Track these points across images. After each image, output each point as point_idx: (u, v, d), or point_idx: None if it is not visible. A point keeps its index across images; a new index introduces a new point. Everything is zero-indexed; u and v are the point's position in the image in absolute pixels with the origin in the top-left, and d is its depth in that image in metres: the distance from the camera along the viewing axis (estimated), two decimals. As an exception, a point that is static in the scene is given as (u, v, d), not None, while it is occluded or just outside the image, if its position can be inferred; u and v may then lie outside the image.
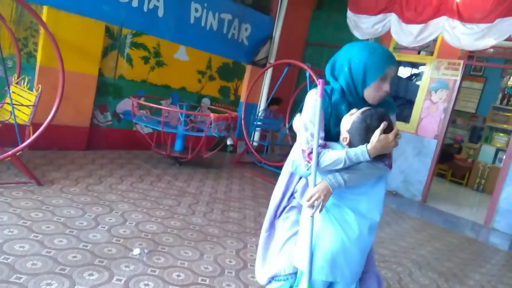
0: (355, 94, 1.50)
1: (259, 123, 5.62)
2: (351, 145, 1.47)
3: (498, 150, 7.73)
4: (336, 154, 1.45)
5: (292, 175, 1.70)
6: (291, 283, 1.58)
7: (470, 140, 8.71)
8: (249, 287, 2.25)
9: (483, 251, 4.04)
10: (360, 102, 1.51)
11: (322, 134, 1.53)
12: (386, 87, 1.47)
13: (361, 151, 1.41)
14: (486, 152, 7.87)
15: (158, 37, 4.94)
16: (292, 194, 1.71)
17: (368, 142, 1.42)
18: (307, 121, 1.54)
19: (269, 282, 1.63)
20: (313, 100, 1.54)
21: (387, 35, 5.47)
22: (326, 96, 1.54)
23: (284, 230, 1.66)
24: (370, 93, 1.48)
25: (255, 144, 6.01)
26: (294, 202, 1.70)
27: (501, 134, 7.75)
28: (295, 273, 1.57)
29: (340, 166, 1.44)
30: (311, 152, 1.49)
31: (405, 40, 5.05)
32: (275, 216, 1.74)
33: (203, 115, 4.93)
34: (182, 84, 5.42)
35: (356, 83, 1.48)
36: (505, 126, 7.72)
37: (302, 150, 1.54)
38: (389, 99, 1.60)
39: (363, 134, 1.43)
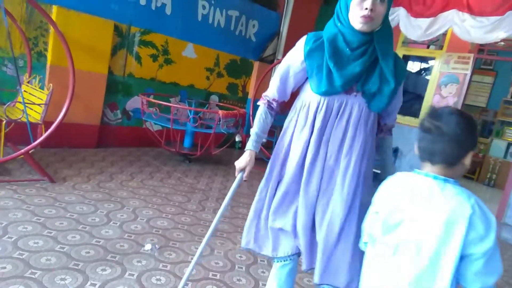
0: (343, 21, 1.45)
1: (267, 119, 5.61)
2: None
3: (509, 145, 7.64)
4: (259, 120, 1.65)
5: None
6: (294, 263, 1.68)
7: (481, 135, 8.60)
8: (260, 282, 2.27)
9: (494, 246, 4.01)
10: (350, 30, 1.44)
11: (290, 88, 1.62)
12: (367, 3, 1.37)
13: (249, 144, 1.64)
14: (497, 146, 7.77)
15: (166, 35, 4.97)
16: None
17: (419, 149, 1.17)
18: (278, 71, 1.61)
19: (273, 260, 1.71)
20: (296, 48, 1.58)
21: (396, 29, 5.42)
22: (312, 41, 1.52)
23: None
24: (352, 14, 1.41)
25: (263, 140, 6.02)
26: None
27: (512, 128, 7.64)
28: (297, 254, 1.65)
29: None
30: (263, 98, 1.66)
31: (414, 34, 5.00)
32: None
33: (211, 112, 4.95)
34: (190, 81, 5.45)
35: (342, 8, 1.46)
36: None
37: (262, 96, 1.67)
38: (400, 61, 1.55)
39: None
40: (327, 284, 1.53)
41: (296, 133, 1.58)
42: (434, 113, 1.14)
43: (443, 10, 4.72)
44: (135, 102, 4.85)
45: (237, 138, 6.28)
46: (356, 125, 1.51)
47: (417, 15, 4.92)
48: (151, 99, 4.51)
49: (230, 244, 2.70)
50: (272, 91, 1.64)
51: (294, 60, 1.56)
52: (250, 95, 6.22)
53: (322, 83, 1.48)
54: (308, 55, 1.50)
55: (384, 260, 1.19)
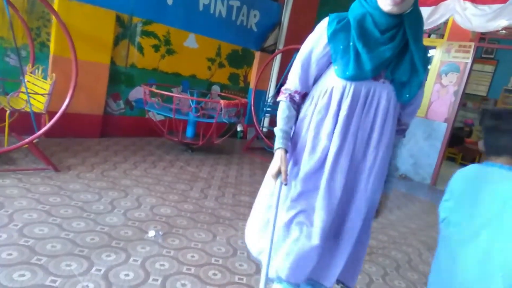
0: (369, 1, 1.32)
1: (268, 109, 5.64)
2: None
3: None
4: (283, 117, 1.48)
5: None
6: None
7: (481, 124, 8.60)
8: (261, 266, 2.32)
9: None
10: (379, 12, 1.30)
11: (311, 78, 1.47)
12: None
13: (280, 143, 1.44)
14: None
15: (167, 25, 4.97)
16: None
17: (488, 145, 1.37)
18: (298, 59, 1.46)
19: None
20: (318, 31, 1.42)
21: (398, 18, 5.40)
22: (335, 22, 1.38)
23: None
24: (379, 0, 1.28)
25: (264, 130, 6.05)
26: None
27: None
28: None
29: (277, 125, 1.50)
30: (284, 92, 1.51)
31: (416, 23, 4.98)
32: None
33: (213, 102, 4.97)
34: (192, 71, 5.47)
35: None
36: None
37: (282, 90, 1.52)
38: (426, 50, 1.42)
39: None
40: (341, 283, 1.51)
41: (315, 124, 1.42)
42: (495, 114, 1.38)
43: (446, -1, 4.70)
44: (137, 92, 4.88)
45: (239, 128, 6.32)
46: (385, 116, 1.39)
47: (421, 4, 4.89)
48: (153, 89, 4.53)
49: (232, 231, 2.75)
50: (293, 83, 1.48)
51: (316, 44, 1.40)
52: (252, 85, 6.23)
53: (350, 66, 1.33)
54: (332, 37, 1.36)
55: (464, 245, 1.29)
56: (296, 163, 1.47)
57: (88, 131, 4.45)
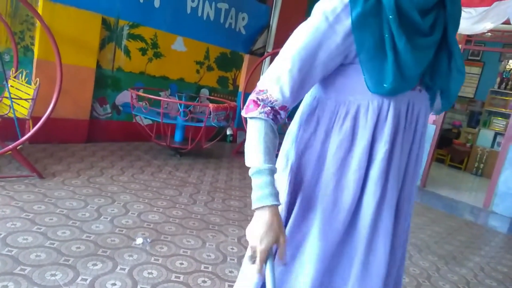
0: None
1: (258, 112, 5.62)
2: None
3: (496, 134, 7.76)
4: (261, 146, 0.89)
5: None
6: None
7: (469, 125, 8.73)
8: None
9: (482, 234, 4.09)
10: None
11: (316, 79, 0.92)
12: None
13: (269, 193, 0.87)
14: (485, 136, 7.89)
15: (155, 28, 4.92)
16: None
17: None
18: (293, 56, 0.88)
19: None
20: (331, 11, 0.86)
21: (385, 21, 5.44)
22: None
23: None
24: None
25: (254, 133, 6.02)
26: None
27: (500, 118, 7.76)
28: None
29: (247, 162, 0.92)
30: (258, 103, 0.90)
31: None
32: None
33: (202, 106, 4.93)
34: (180, 75, 5.41)
35: None
36: (503, 110, 7.74)
37: (255, 91, 0.94)
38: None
39: None
40: None
41: (336, 165, 0.93)
42: None
43: None
44: (124, 96, 4.81)
45: (228, 132, 6.28)
46: (420, 137, 0.98)
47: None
48: (140, 93, 4.48)
49: (222, 237, 2.71)
50: (279, 92, 0.89)
51: (328, 34, 0.86)
52: (241, 88, 6.20)
53: (388, 73, 0.85)
54: (360, 22, 0.84)
55: None
56: (299, 229, 0.96)
57: (74, 137, 4.37)
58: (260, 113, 0.90)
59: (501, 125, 7.66)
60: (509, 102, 7.75)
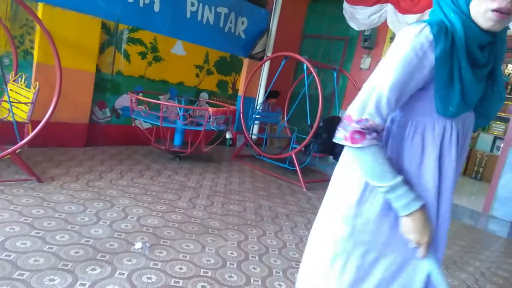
0: (460, 10, 1.00)
1: (257, 116, 5.62)
2: None
3: (496, 138, 7.77)
4: (384, 166, 1.04)
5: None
6: None
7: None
8: (251, 278, 2.27)
9: (482, 239, 4.08)
10: (473, 24, 1.00)
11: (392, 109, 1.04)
12: (499, 2, 0.93)
13: (413, 198, 1.05)
14: (484, 140, 7.90)
15: (154, 32, 4.93)
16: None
17: None
18: (387, 70, 1.02)
19: None
20: (419, 46, 1.00)
21: (384, 25, 5.46)
22: (443, 35, 0.99)
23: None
24: (476, 7, 0.97)
25: (254, 137, 6.02)
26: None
27: (499, 122, 7.77)
28: None
29: (376, 183, 1.06)
30: (364, 132, 1.02)
31: (402, 30, 5.05)
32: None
33: (201, 110, 4.93)
34: (180, 79, 5.42)
35: None
36: (502, 114, 7.74)
37: (348, 116, 1.05)
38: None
39: None
40: None
41: (407, 173, 1.10)
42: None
43: (430, 6, 4.76)
44: (124, 100, 4.81)
45: (228, 135, 6.28)
46: (461, 154, 1.15)
47: (404, 11, 4.96)
48: (140, 97, 4.48)
49: (222, 241, 2.69)
50: (378, 115, 1.02)
51: (419, 66, 1.00)
52: (240, 92, 6.21)
53: (454, 100, 1.02)
54: (441, 58, 0.99)
55: None
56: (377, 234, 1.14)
57: (73, 140, 4.36)
58: (370, 140, 1.03)
59: (500, 129, 7.67)
60: (508, 106, 7.76)
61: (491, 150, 7.77)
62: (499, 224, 4.80)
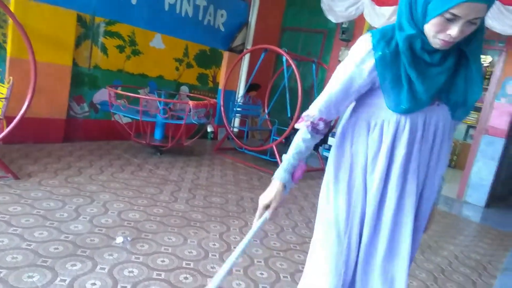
0: (415, 26, 1.09)
1: (238, 109, 5.63)
2: None
3: (469, 127, 8.01)
4: (295, 141, 1.31)
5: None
6: None
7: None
8: (233, 268, 2.31)
9: (456, 224, 4.23)
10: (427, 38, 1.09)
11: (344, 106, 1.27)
12: (453, 30, 1.02)
13: (282, 171, 1.30)
14: (458, 129, 8.13)
15: (132, 25, 4.86)
16: None
17: None
18: (333, 87, 1.24)
19: None
20: (360, 54, 1.17)
21: (361, 18, 5.53)
22: (383, 44, 1.14)
23: None
24: (430, 29, 1.06)
25: (235, 130, 6.04)
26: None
27: (472, 112, 8.00)
28: None
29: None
30: (303, 119, 1.31)
31: (378, 22, 5.12)
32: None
33: (181, 103, 4.91)
34: (159, 72, 5.37)
35: (418, 8, 1.07)
36: (475, 104, 7.97)
37: (302, 116, 1.32)
38: (477, 70, 1.16)
39: None
40: None
41: (361, 166, 1.27)
42: None
43: (406, -1, 4.87)
44: (102, 95, 4.74)
45: (209, 129, 6.27)
46: (442, 139, 1.24)
47: (380, 3, 5.04)
48: (119, 91, 4.42)
49: (204, 233, 2.72)
50: (319, 109, 1.28)
51: (358, 71, 1.18)
52: (221, 86, 6.20)
53: (403, 98, 1.14)
54: (381, 63, 1.14)
55: None
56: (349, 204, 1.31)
57: (50, 136, 4.28)
58: (303, 124, 1.30)
59: (473, 118, 7.91)
60: (481, 96, 7.99)
61: (465, 139, 8.01)
62: (472, 210, 4.98)
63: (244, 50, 6.15)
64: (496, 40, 5.11)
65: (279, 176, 1.30)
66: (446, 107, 1.20)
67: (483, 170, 5.17)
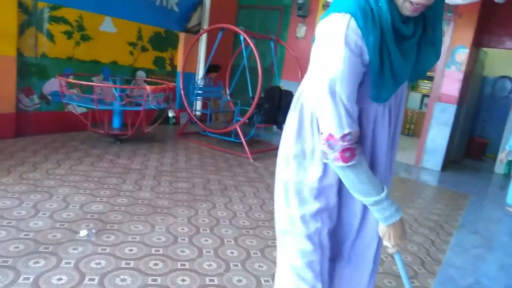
0: None
1: (199, 92, 5.54)
2: None
3: (423, 96, 8.37)
4: (370, 180, 1.06)
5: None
6: None
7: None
8: (203, 250, 2.32)
9: (415, 188, 4.46)
10: (395, 12, 0.98)
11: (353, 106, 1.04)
12: None
13: (395, 210, 1.10)
14: (414, 99, 8.48)
15: (79, 9, 4.59)
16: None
17: None
18: (337, 78, 0.98)
19: None
20: (353, 41, 0.97)
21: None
22: (371, 24, 0.96)
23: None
24: None
25: (197, 113, 5.96)
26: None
27: (426, 81, 8.35)
28: None
29: (362, 198, 1.09)
30: (352, 147, 1.02)
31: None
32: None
33: (139, 89, 4.76)
34: (112, 58, 5.15)
35: None
36: (429, 73, 8.32)
37: (329, 135, 1.02)
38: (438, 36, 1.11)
39: None
40: None
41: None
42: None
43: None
44: (52, 85, 4.48)
45: (170, 114, 6.14)
46: (398, 110, 1.21)
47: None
48: (70, 79, 4.21)
49: (171, 219, 2.70)
50: (349, 124, 1.01)
51: (359, 61, 0.99)
52: (179, 68, 6.05)
53: (386, 87, 1.04)
54: (374, 49, 0.98)
55: None
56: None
57: (0, 132, 4.03)
58: (359, 155, 1.04)
59: (427, 87, 8.26)
60: (435, 65, 8.33)
61: (420, 108, 8.37)
62: (429, 174, 5.26)
63: (201, 31, 6.01)
64: (445, 10, 5.29)
65: (396, 212, 1.10)
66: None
67: (437, 136, 5.44)
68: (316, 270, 1.18)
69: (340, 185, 1.16)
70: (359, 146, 1.04)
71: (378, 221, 1.13)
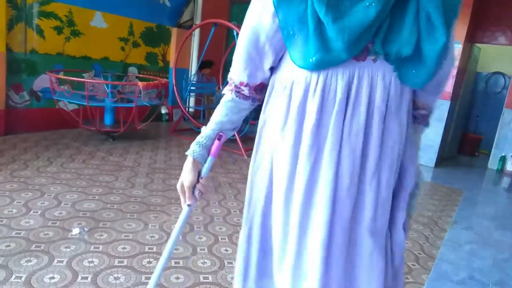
0: None
1: (192, 88, 5.50)
2: None
3: (417, 93, 8.37)
4: (214, 115, 1.01)
5: None
6: None
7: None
8: (197, 247, 2.30)
9: (408, 185, 4.47)
10: None
11: (271, 61, 0.92)
12: None
13: (192, 145, 1.01)
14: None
15: (68, 4, 4.53)
16: None
17: None
18: (240, 40, 0.93)
19: None
20: (258, 3, 0.88)
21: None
22: None
23: None
24: None
25: (191, 110, 5.92)
26: None
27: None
28: None
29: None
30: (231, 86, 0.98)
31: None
32: None
33: (131, 85, 4.70)
34: (104, 53, 5.08)
35: None
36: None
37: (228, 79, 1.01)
38: None
39: None
40: None
41: (275, 135, 0.93)
42: None
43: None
44: (43, 81, 4.42)
45: (163, 110, 6.10)
46: (384, 114, 0.84)
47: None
48: (61, 76, 4.15)
49: (165, 216, 2.67)
50: (237, 72, 0.95)
51: (260, 17, 0.86)
52: (172, 64, 6.00)
53: (310, 46, 0.80)
54: (281, 1, 0.81)
55: None
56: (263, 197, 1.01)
57: (-11, 129, 3.97)
58: (228, 89, 0.99)
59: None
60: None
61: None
62: (423, 170, 5.27)
63: (193, 26, 5.96)
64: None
65: (189, 150, 0.99)
66: (388, 64, 0.82)
67: (431, 132, 5.46)
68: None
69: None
70: (238, 90, 0.98)
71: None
